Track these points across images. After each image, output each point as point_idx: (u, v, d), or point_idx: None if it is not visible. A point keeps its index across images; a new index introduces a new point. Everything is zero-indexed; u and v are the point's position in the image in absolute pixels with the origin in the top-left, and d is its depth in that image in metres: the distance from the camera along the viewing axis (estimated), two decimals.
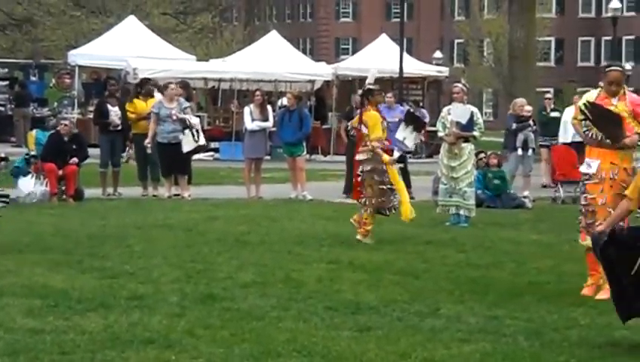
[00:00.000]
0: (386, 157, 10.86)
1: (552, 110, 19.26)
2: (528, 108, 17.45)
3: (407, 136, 11.17)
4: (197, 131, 15.33)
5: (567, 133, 18.44)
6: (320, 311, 7.25)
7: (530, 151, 16.94)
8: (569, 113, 18.73)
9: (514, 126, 17.07)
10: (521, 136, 16.90)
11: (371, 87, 11.40)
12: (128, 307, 7.26)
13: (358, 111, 11.61)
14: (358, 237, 10.76)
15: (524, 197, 16.06)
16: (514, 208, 15.08)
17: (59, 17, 42.52)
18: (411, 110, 11.62)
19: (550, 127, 18.78)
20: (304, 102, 22.11)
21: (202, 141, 15.61)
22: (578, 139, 18.25)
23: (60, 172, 14.68)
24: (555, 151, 17.34)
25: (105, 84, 19.12)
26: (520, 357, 6.12)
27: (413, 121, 11.64)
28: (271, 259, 9.55)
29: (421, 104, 26.21)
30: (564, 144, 18.12)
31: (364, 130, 10.86)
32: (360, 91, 12.02)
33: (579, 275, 8.81)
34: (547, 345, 6.46)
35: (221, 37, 52.60)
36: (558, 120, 18.83)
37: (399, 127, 11.40)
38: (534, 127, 17.30)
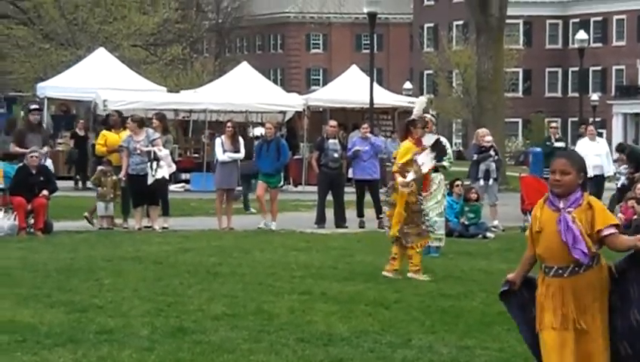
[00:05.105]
0: (400, 179, 10.76)
1: (557, 140, 18.97)
2: (488, 138, 17.44)
3: (425, 162, 11.04)
4: (157, 164, 15.11)
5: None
6: (292, 343, 7.22)
7: (491, 180, 16.98)
8: (583, 145, 18.38)
9: (475, 156, 17.17)
10: (482, 167, 16.95)
11: (415, 117, 11.16)
12: (97, 341, 7.19)
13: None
14: (415, 275, 10.60)
15: (494, 227, 16.14)
16: (481, 237, 15.21)
17: (28, 50, 42.38)
18: (439, 140, 11.36)
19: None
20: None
21: (160, 174, 15.09)
22: (597, 172, 18.04)
23: (29, 206, 14.56)
24: (523, 181, 17.40)
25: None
26: None
27: (438, 149, 11.48)
28: (242, 290, 9.51)
29: (394, 135, 26.32)
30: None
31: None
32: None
33: None
34: None
35: (192, 68, 52.67)
36: (562, 150, 18.74)
37: (422, 152, 11.16)
38: (496, 157, 17.29)
